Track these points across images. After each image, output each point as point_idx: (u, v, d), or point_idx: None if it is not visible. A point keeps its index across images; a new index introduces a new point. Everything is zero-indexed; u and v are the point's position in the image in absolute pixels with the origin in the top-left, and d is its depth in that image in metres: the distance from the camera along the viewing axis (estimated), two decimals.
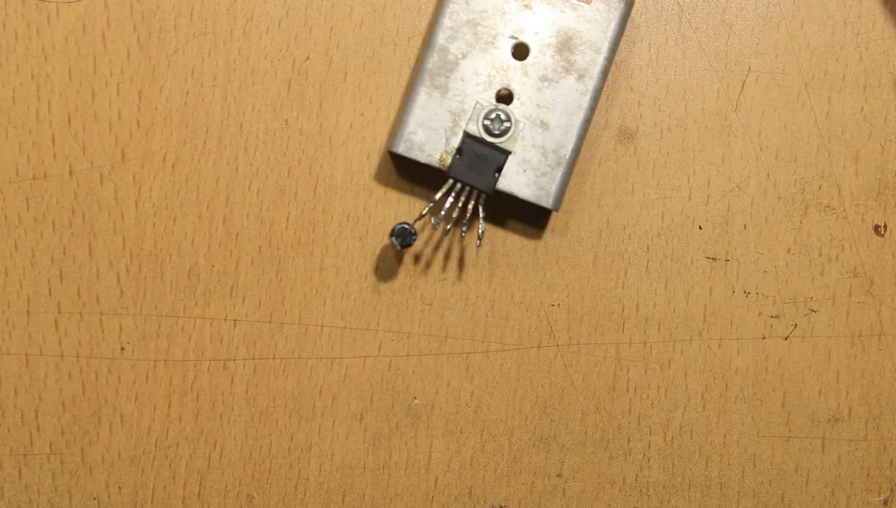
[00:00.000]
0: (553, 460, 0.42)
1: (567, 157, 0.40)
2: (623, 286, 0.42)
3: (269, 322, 0.42)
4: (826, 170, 0.42)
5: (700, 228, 0.42)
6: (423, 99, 0.40)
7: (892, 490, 0.42)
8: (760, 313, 0.42)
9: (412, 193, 0.42)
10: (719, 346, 0.42)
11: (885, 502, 0.42)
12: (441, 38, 0.40)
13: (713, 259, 0.42)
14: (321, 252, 0.42)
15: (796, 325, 0.42)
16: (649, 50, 0.42)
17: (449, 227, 0.41)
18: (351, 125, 0.42)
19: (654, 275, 0.42)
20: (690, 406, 0.42)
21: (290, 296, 0.42)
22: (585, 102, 0.40)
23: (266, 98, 0.42)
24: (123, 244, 0.42)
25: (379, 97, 0.42)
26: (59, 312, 0.42)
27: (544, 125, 0.40)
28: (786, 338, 0.42)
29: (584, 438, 0.42)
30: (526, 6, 0.40)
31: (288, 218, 0.42)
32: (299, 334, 0.42)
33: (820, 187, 0.42)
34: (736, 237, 0.42)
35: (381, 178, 0.42)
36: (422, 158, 0.40)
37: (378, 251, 0.42)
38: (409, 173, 0.42)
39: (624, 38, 0.42)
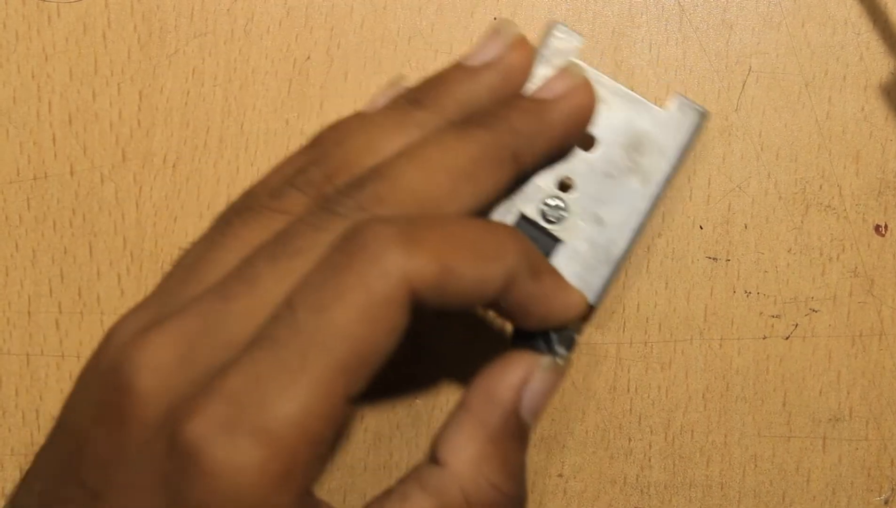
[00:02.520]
0: (554, 460, 0.42)
1: (617, 256, 0.40)
2: (623, 286, 0.42)
3: None
4: (827, 170, 0.42)
5: (701, 228, 0.42)
6: None
7: (892, 489, 0.42)
8: (761, 313, 0.42)
9: None
10: (720, 346, 0.42)
11: (886, 502, 0.42)
12: None
13: (714, 259, 0.42)
14: None
15: (797, 325, 0.42)
16: (650, 50, 0.42)
17: None
18: None
19: (655, 275, 0.42)
20: (691, 406, 0.42)
21: None
22: (644, 205, 0.40)
23: (267, 98, 0.42)
24: (124, 244, 0.42)
25: None
26: (60, 312, 0.42)
27: (599, 221, 0.40)
28: (787, 338, 0.42)
29: (584, 438, 0.42)
30: (602, 100, 0.40)
31: None
32: None
33: (821, 187, 0.42)
34: (737, 237, 0.42)
35: None
36: None
37: None
38: None
39: (624, 38, 0.42)
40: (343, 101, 0.42)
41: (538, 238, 0.40)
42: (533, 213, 0.40)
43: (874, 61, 0.42)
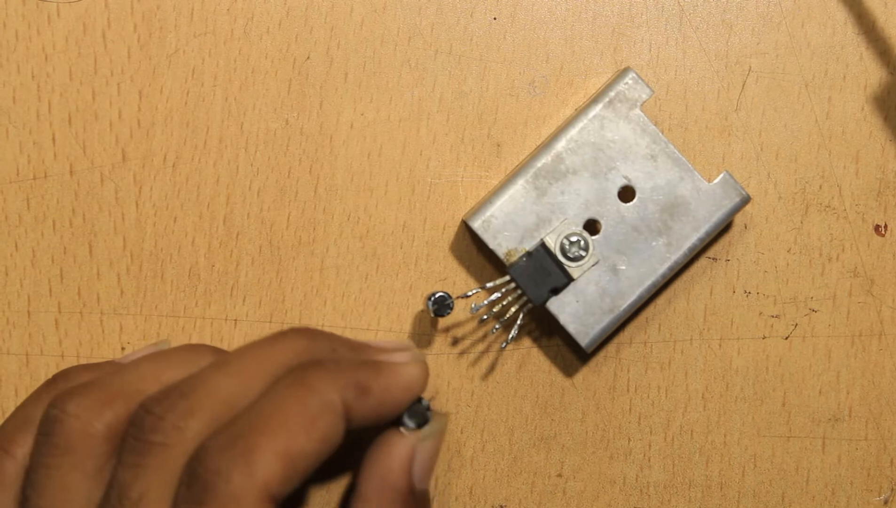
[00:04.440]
0: (553, 460, 0.42)
1: (622, 309, 0.40)
2: None
3: (270, 322, 0.42)
4: (826, 170, 0.42)
5: None
6: (520, 191, 0.40)
7: (892, 489, 0.42)
8: (761, 313, 0.42)
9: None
10: (720, 346, 0.42)
11: (886, 501, 0.42)
12: (562, 145, 0.40)
13: (714, 259, 0.42)
14: (322, 252, 0.42)
15: (797, 325, 0.42)
16: (650, 50, 0.42)
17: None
18: (351, 125, 0.42)
19: None
20: (691, 406, 0.42)
21: (290, 296, 0.42)
22: (663, 268, 0.40)
23: (267, 98, 0.42)
24: (124, 244, 0.42)
25: (379, 97, 0.42)
26: (60, 312, 0.42)
27: (615, 271, 0.40)
28: (786, 338, 0.42)
29: (584, 438, 0.42)
30: (652, 156, 0.40)
31: (288, 218, 0.42)
32: None
33: (820, 187, 0.42)
34: (736, 237, 0.42)
35: (381, 177, 0.42)
36: (491, 243, 0.40)
37: (378, 251, 0.42)
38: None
39: (624, 38, 0.42)
40: (342, 101, 0.42)
41: (551, 270, 0.40)
42: (553, 244, 0.40)
43: (874, 61, 0.42)
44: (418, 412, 0.36)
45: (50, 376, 0.41)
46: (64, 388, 0.35)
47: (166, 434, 0.32)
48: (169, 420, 0.32)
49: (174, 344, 0.42)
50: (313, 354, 0.35)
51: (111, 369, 0.36)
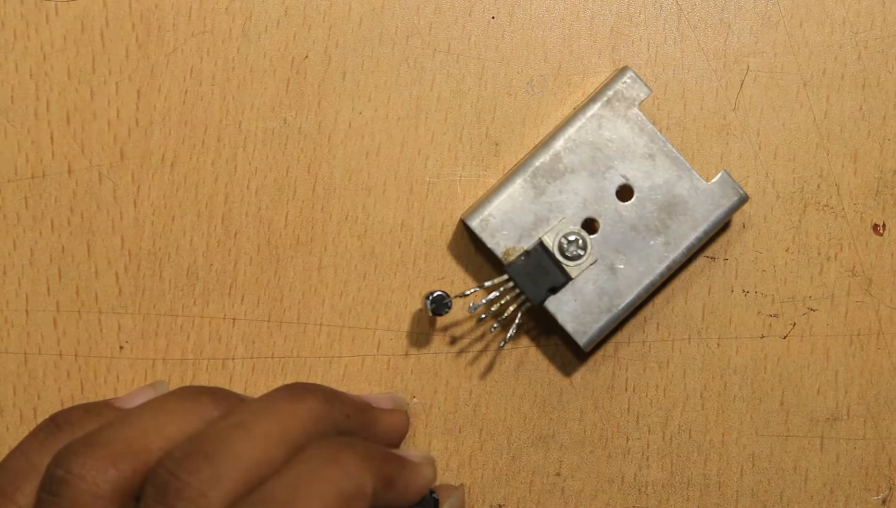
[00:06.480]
0: (552, 459, 0.42)
1: (619, 308, 0.40)
2: None
3: (268, 321, 0.42)
4: (825, 169, 0.42)
5: None
6: (518, 190, 0.40)
7: (890, 489, 0.42)
8: (759, 313, 0.42)
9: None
10: (718, 345, 0.42)
11: (884, 501, 0.42)
12: (560, 144, 0.40)
13: (712, 258, 0.42)
14: (320, 251, 0.42)
15: (795, 324, 0.42)
16: (648, 49, 0.42)
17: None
18: (349, 124, 0.42)
19: None
20: (689, 405, 0.42)
21: (288, 295, 0.42)
22: (661, 267, 0.40)
23: (265, 97, 0.42)
24: (122, 243, 0.42)
25: (377, 96, 0.42)
26: (58, 310, 0.42)
27: (613, 270, 0.40)
28: (784, 337, 0.42)
29: (582, 437, 0.42)
30: (650, 155, 0.40)
31: (286, 217, 0.42)
32: (298, 332, 0.42)
33: (818, 186, 0.42)
34: (735, 236, 0.42)
35: (379, 176, 0.42)
36: (489, 242, 0.40)
37: (376, 250, 0.42)
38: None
39: (622, 37, 0.42)
40: (341, 100, 0.42)
41: (550, 270, 0.40)
42: (551, 243, 0.40)
43: (872, 60, 0.42)
44: (428, 502, 0.37)
45: (48, 375, 0.41)
46: (67, 441, 0.33)
47: (193, 503, 0.31)
48: (195, 486, 0.31)
49: (172, 346, 0.42)
50: (332, 420, 0.35)
51: (112, 415, 0.35)
